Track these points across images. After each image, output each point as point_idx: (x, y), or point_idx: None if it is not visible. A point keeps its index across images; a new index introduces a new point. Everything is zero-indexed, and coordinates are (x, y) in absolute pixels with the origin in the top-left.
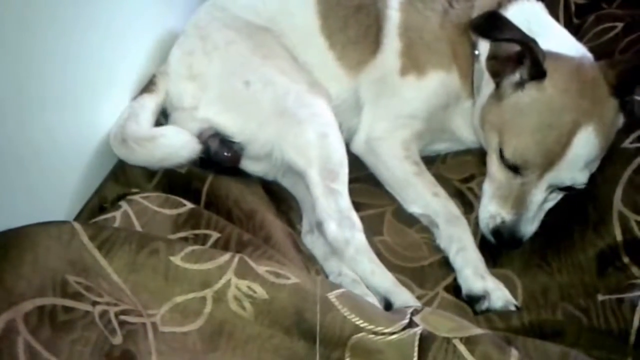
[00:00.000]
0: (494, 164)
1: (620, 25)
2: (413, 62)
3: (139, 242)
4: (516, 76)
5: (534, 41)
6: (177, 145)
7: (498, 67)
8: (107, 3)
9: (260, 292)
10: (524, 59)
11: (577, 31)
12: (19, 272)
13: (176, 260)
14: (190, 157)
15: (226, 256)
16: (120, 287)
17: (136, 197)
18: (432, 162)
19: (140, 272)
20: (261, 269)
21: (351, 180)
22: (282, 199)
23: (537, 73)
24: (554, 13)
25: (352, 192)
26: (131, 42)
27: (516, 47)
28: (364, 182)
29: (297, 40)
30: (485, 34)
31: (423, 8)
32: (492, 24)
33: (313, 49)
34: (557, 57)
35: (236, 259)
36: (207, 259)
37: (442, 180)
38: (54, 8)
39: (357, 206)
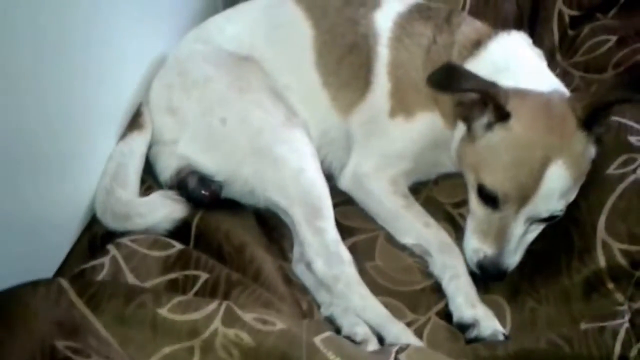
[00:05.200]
0: (473, 201)
1: (613, 38)
2: (401, 103)
3: (126, 296)
4: (484, 119)
5: (493, 86)
6: (154, 221)
7: (465, 112)
8: (96, 31)
9: (247, 339)
10: (487, 103)
11: (572, 43)
12: (10, 345)
13: (163, 312)
14: (173, 226)
15: (213, 305)
16: (108, 341)
17: (124, 240)
18: (424, 184)
19: (128, 325)
20: (248, 316)
21: (343, 202)
22: (274, 227)
23: (501, 115)
24: (548, 26)
25: (343, 215)
26: (120, 70)
27: None
28: (357, 204)
29: (283, 68)
30: (443, 88)
31: (410, 44)
32: (449, 77)
33: (304, 82)
34: (523, 95)
35: (223, 308)
36: (194, 309)
37: (434, 203)
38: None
39: (349, 231)
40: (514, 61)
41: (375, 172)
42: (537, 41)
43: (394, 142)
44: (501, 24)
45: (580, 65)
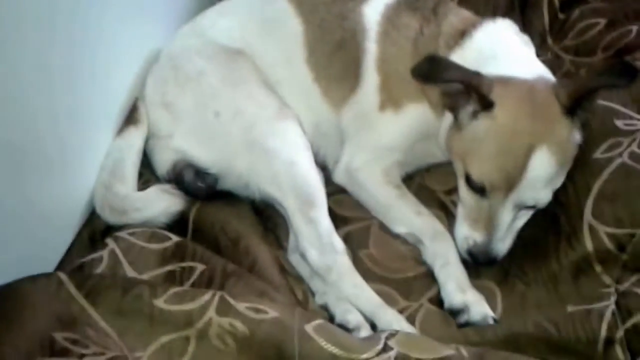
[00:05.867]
0: (462, 189)
1: (603, 21)
2: (390, 96)
3: (124, 288)
4: (470, 108)
5: (476, 75)
6: (151, 215)
7: (451, 102)
8: (91, 28)
9: (241, 328)
10: (471, 92)
11: (562, 27)
12: (9, 338)
13: (159, 302)
14: (170, 219)
15: (207, 295)
16: (107, 332)
17: (122, 234)
18: (416, 172)
19: (126, 317)
20: (241, 305)
21: (337, 192)
22: (269, 217)
23: (486, 104)
24: (538, 10)
25: (338, 204)
26: (116, 66)
27: None
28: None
29: (275, 63)
30: (427, 79)
31: (397, 36)
32: (432, 68)
33: (295, 77)
34: (507, 82)
35: (217, 298)
36: (189, 299)
37: (426, 191)
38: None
39: (343, 220)
40: (499, 49)
41: (368, 165)
42: (528, 26)
43: (384, 134)
44: (492, 9)
45: (570, 49)
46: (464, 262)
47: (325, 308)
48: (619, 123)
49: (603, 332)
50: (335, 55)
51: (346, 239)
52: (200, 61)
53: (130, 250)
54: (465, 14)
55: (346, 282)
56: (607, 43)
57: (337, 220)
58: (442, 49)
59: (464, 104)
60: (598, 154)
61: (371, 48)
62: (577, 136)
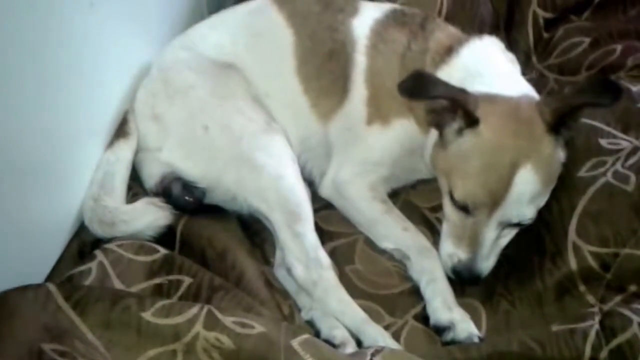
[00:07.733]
0: (447, 206)
1: (587, 40)
2: (377, 110)
3: (112, 300)
4: (455, 125)
5: (462, 92)
6: (138, 228)
7: (437, 119)
8: (81, 42)
9: (228, 342)
10: (457, 109)
11: (546, 46)
12: None
13: (147, 316)
14: (157, 233)
15: (195, 309)
16: (94, 345)
17: (111, 246)
18: (402, 188)
19: (114, 329)
20: (228, 320)
21: (323, 207)
22: (256, 232)
23: (471, 121)
24: (523, 29)
25: (324, 219)
26: (106, 79)
27: None
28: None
29: (265, 75)
30: (413, 96)
31: (386, 51)
32: (418, 85)
33: (285, 89)
34: (492, 99)
35: (204, 311)
36: (176, 313)
37: (412, 207)
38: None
39: (329, 235)
40: (485, 66)
41: (354, 179)
42: (513, 44)
43: (371, 149)
44: (478, 27)
45: (554, 68)
46: (450, 280)
47: (311, 323)
48: (603, 142)
49: (587, 352)
50: (324, 67)
51: (332, 255)
52: (190, 75)
53: (118, 263)
54: (452, 30)
55: (332, 297)
56: (591, 62)
57: (324, 235)
58: (429, 65)
59: (449, 121)
60: (582, 173)
61: (360, 61)
62: (561, 154)
